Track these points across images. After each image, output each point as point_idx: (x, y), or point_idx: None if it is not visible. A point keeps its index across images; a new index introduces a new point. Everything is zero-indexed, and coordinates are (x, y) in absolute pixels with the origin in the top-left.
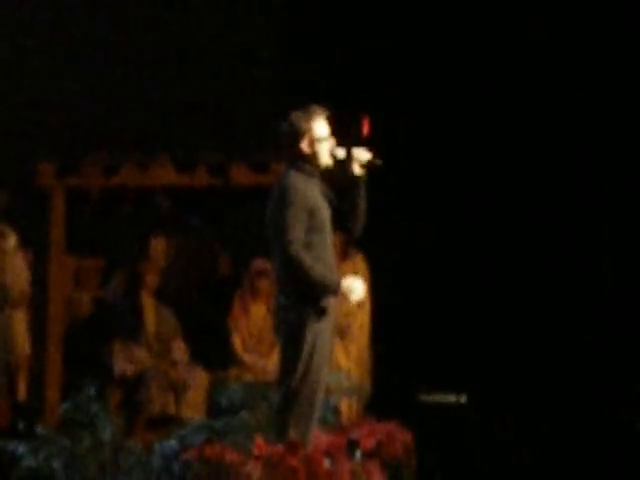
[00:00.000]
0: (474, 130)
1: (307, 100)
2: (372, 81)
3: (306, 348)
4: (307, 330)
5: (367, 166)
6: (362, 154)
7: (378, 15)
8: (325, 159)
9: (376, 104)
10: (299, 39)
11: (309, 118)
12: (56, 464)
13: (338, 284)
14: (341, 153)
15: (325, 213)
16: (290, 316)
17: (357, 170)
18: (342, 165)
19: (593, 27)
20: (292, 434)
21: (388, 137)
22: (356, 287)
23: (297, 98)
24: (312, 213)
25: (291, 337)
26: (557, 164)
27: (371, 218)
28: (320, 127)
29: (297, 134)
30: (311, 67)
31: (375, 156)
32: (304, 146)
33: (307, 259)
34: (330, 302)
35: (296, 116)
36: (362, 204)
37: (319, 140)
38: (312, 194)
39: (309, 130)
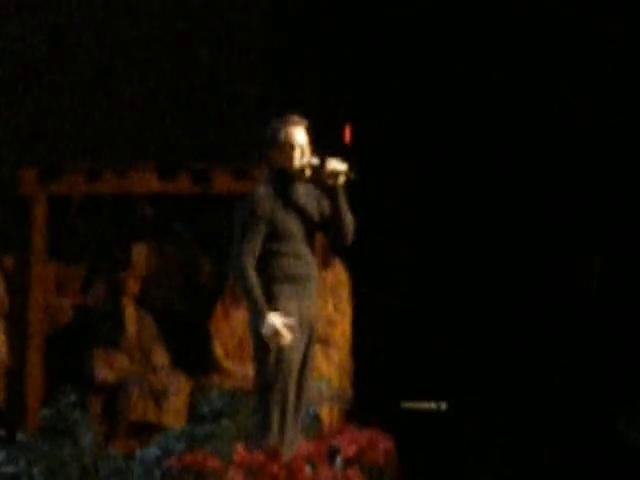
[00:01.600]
0: (457, 136)
1: (290, 108)
2: (355, 89)
3: (270, 358)
4: (268, 343)
5: (342, 177)
6: (337, 165)
7: (361, 23)
8: (299, 167)
9: (359, 113)
10: (282, 48)
11: (284, 126)
12: (36, 471)
13: (263, 317)
14: (317, 162)
15: (296, 221)
16: (253, 325)
17: (331, 180)
18: (318, 175)
19: (581, 29)
20: (268, 442)
21: (369, 143)
22: (274, 331)
23: (280, 107)
24: (274, 223)
25: (256, 348)
26: (546, 165)
27: (353, 225)
28: (295, 135)
29: (271, 142)
30: (294, 76)
31: (351, 168)
32: (277, 154)
33: (249, 280)
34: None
35: (272, 124)
36: (341, 214)
37: (293, 148)
38: (275, 204)
39: (283, 138)
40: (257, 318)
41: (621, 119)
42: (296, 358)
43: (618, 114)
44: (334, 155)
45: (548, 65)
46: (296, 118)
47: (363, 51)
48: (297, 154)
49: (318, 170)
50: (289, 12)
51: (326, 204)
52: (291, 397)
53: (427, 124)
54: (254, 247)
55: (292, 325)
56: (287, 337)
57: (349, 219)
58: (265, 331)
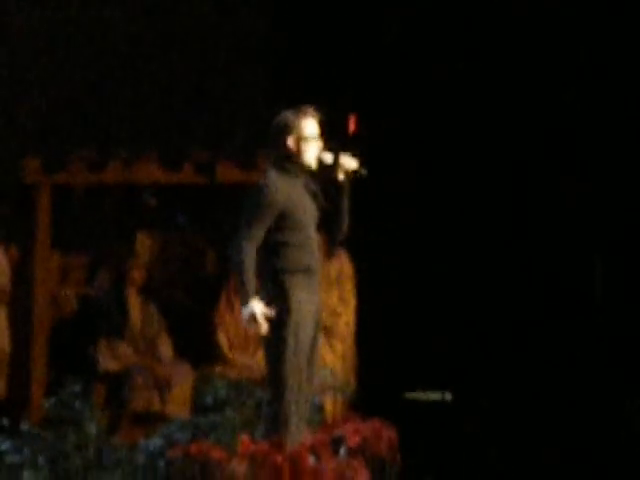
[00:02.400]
0: (460, 131)
1: (294, 99)
2: (360, 81)
3: (285, 346)
4: (286, 330)
5: (352, 174)
6: (349, 162)
7: (365, 15)
8: (309, 159)
9: (364, 103)
10: (288, 39)
11: (299, 116)
12: (40, 460)
13: (248, 301)
14: (329, 158)
15: (306, 212)
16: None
17: (342, 177)
18: (328, 169)
19: (581, 29)
20: (278, 432)
21: (375, 136)
22: (252, 317)
23: (285, 97)
24: (287, 213)
25: (269, 337)
26: (548, 165)
27: (357, 217)
28: (309, 127)
29: (284, 131)
30: (299, 66)
31: (361, 165)
32: (290, 143)
33: (242, 259)
34: (303, 301)
35: (286, 114)
36: (345, 209)
37: (306, 139)
38: (289, 194)
39: (297, 128)
40: (287, 311)
41: (625, 120)
42: (307, 348)
43: (622, 115)
44: (342, 149)
45: (549, 65)
46: (311, 110)
47: (366, 44)
48: (311, 146)
49: (329, 165)
50: (293, 7)
51: (322, 198)
52: (302, 387)
53: (430, 121)
54: (258, 234)
55: (270, 316)
56: (263, 327)
57: (346, 216)
58: (244, 315)
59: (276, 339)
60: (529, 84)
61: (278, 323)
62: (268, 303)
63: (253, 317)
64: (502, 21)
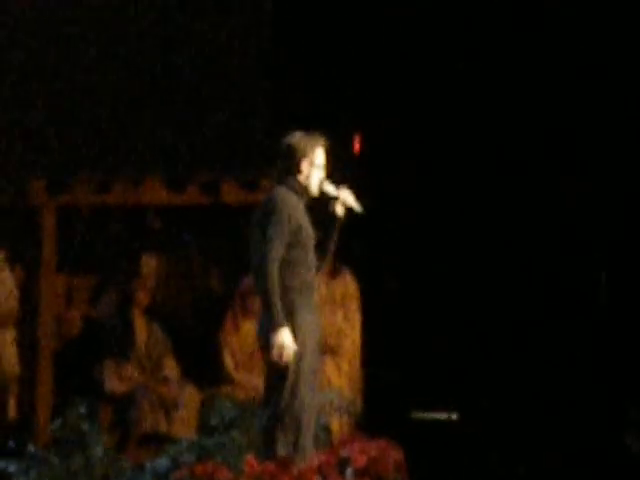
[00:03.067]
0: (460, 147)
1: (296, 120)
2: (360, 101)
3: (293, 368)
4: (296, 353)
5: (349, 209)
6: (348, 197)
7: (365, 34)
8: (314, 187)
9: (364, 123)
10: (289, 61)
11: (314, 143)
12: None
13: (280, 327)
14: (332, 190)
15: (308, 232)
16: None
17: (339, 210)
18: (327, 200)
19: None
20: (280, 452)
21: (377, 154)
22: (283, 343)
23: (286, 118)
24: (297, 230)
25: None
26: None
27: (362, 237)
28: (320, 154)
29: (300, 153)
30: (301, 87)
31: (358, 202)
32: (304, 167)
33: (273, 283)
34: (307, 321)
35: (301, 137)
36: (334, 240)
37: (316, 167)
38: (299, 212)
39: (311, 153)
40: (296, 332)
41: (625, 120)
42: (313, 371)
43: (622, 115)
44: (344, 183)
45: (549, 65)
46: (322, 138)
47: (366, 60)
48: (317, 174)
49: (330, 197)
50: (296, 23)
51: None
52: (309, 411)
53: (432, 131)
54: (280, 252)
55: (294, 348)
56: (290, 357)
57: (333, 247)
58: (275, 342)
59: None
60: (529, 84)
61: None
62: (270, 321)
63: (284, 346)
64: (502, 21)
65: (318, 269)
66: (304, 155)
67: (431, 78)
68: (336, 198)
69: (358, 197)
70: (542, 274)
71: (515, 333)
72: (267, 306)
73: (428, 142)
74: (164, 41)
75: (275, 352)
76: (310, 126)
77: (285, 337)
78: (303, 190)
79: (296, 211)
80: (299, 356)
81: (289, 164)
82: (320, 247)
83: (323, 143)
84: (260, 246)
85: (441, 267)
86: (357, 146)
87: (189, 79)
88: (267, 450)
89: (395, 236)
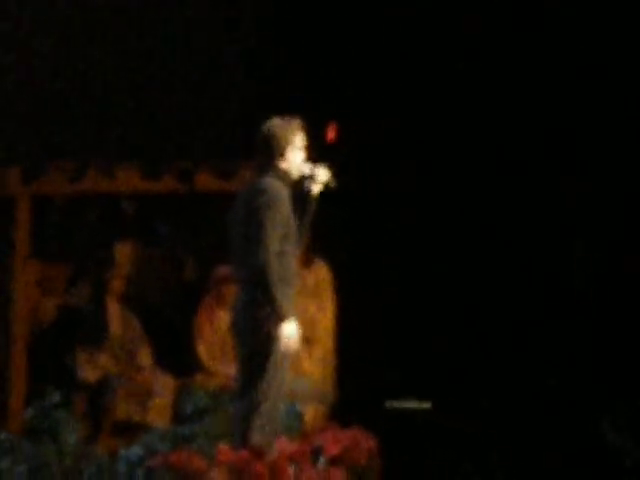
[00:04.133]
0: (460, 147)
1: (273, 107)
2: (336, 88)
3: (275, 358)
4: (275, 341)
5: (324, 185)
6: (323, 173)
7: (344, 21)
8: (297, 171)
9: (341, 111)
10: (265, 47)
11: (294, 127)
12: (20, 470)
13: (284, 317)
14: (306, 169)
15: (294, 220)
16: (257, 326)
17: (316, 188)
18: (303, 180)
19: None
20: (255, 440)
21: (351, 144)
22: (292, 335)
23: (263, 105)
24: (287, 222)
25: (258, 347)
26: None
27: (334, 225)
28: (299, 138)
29: (284, 142)
30: (277, 74)
31: (333, 177)
32: (286, 156)
33: (275, 276)
34: (291, 312)
35: (278, 125)
36: (310, 219)
37: (297, 152)
38: (288, 202)
39: (294, 138)
40: (275, 319)
41: (625, 120)
42: (290, 360)
43: (622, 115)
44: (318, 160)
45: (549, 68)
46: (298, 120)
47: (346, 50)
48: (299, 157)
49: (305, 176)
50: (274, 12)
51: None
52: (282, 399)
53: (411, 122)
54: (275, 243)
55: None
56: (296, 348)
57: (309, 228)
58: (287, 333)
59: (266, 349)
60: (529, 84)
61: (270, 333)
62: (254, 311)
63: (293, 336)
64: (501, 21)
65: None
66: (288, 142)
67: (431, 78)
68: (311, 177)
69: (335, 176)
70: (539, 274)
71: (492, 323)
72: (267, 298)
73: (427, 142)
74: (144, 33)
75: (284, 345)
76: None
77: (292, 329)
78: (286, 175)
79: (285, 202)
80: (282, 346)
81: (273, 152)
82: (297, 227)
83: (300, 124)
84: (249, 237)
85: (413, 251)
86: (331, 135)
87: (166, 65)
88: (242, 438)
89: (371, 218)
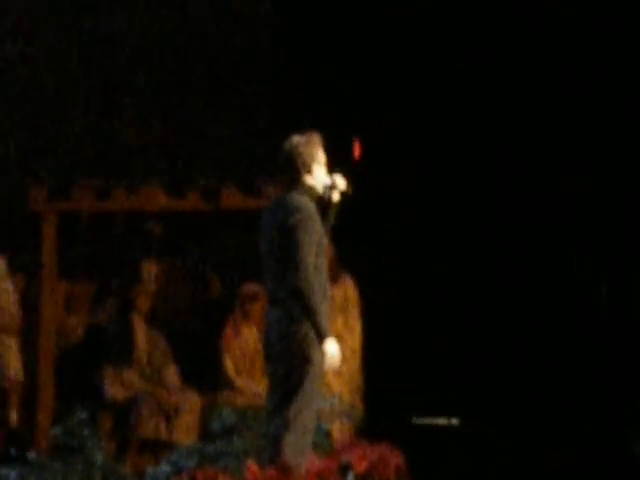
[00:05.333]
0: (460, 147)
1: (296, 125)
2: (358, 105)
3: (312, 376)
4: (314, 359)
5: (342, 193)
6: (340, 182)
7: (366, 35)
8: (321, 185)
9: (363, 128)
10: (288, 65)
11: (314, 144)
12: None
13: (326, 335)
14: (327, 180)
15: (325, 238)
16: (295, 345)
17: (336, 197)
18: (325, 191)
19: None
20: (288, 458)
21: (379, 161)
22: (335, 352)
23: (287, 123)
24: (320, 237)
25: (295, 366)
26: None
27: (363, 243)
28: (321, 153)
29: (306, 161)
30: (299, 92)
31: (349, 184)
32: (313, 172)
33: (317, 296)
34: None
35: (302, 142)
36: (329, 227)
37: (320, 166)
38: (319, 218)
39: (317, 154)
40: (311, 339)
41: (626, 120)
42: (323, 379)
43: (622, 116)
44: (336, 170)
45: (549, 68)
46: (318, 135)
47: (365, 68)
48: (322, 172)
49: (326, 186)
50: (292, 28)
51: None
52: (316, 415)
53: (432, 132)
54: (312, 259)
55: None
56: (337, 365)
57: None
58: (330, 352)
59: (302, 368)
60: (529, 85)
61: (308, 352)
62: (290, 330)
63: (335, 354)
64: (501, 21)
65: None
66: (313, 158)
67: (431, 78)
68: (331, 186)
69: (351, 186)
70: (542, 275)
71: (516, 337)
72: (308, 317)
73: (428, 143)
74: (164, 45)
75: (327, 362)
76: (310, 128)
77: (334, 347)
78: (312, 191)
79: (317, 218)
80: (317, 364)
81: (299, 169)
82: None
83: (320, 139)
84: (286, 256)
85: (440, 270)
86: (357, 151)
87: (190, 83)
88: (274, 457)
89: (394, 238)
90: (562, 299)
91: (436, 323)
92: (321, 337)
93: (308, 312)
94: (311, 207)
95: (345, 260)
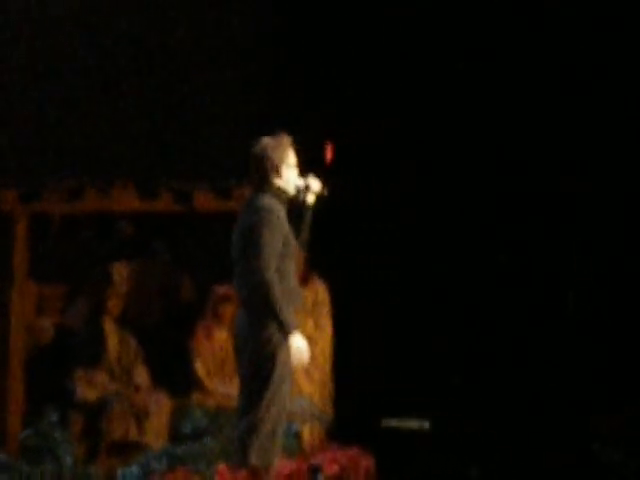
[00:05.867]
0: (460, 148)
1: (268, 127)
2: (330, 109)
3: (276, 378)
4: (278, 361)
5: (317, 195)
6: (315, 184)
7: (362, 40)
8: (292, 187)
9: (335, 132)
10: (261, 69)
11: (283, 147)
12: None
13: (292, 329)
14: (300, 183)
15: (292, 239)
16: (260, 346)
17: (311, 199)
18: (298, 193)
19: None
20: (254, 461)
21: (349, 164)
22: (301, 346)
23: (259, 125)
24: (286, 240)
25: (260, 367)
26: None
27: (333, 245)
28: (291, 155)
29: (275, 163)
30: (272, 94)
31: (323, 186)
32: (282, 174)
33: (277, 292)
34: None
35: (270, 144)
36: (308, 230)
37: (290, 169)
38: (285, 220)
39: (286, 156)
40: (278, 339)
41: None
42: (291, 380)
43: (623, 116)
44: (317, 172)
45: (548, 68)
46: (288, 137)
47: (338, 74)
48: (293, 173)
49: (300, 189)
50: (273, 33)
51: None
52: (284, 420)
53: (407, 144)
54: (274, 260)
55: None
56: (307, 360)
57: (308, 237)
58: (295, 346)
59: (268, 369)
60: (528, 84)
61: (275, 353)
62: (256, 331)
63: (302, 349)
64: (501, 21)
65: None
66: (281, 160)
67: (431, 79)
68: (305, 189)
69: (326, 186)
70: (539, 274)
71: (484, 342)
72: (270, 315)
73: (428, 143)
74: (136, 48)
75: (295, 357)
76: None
77: (300, 341)
78: (282, 193)
79: (283, 220)
80: (282, 367)
81: (268, 171)
82: (297, 238)
83: (289, 141)
84: (247, 256)
85: (411, 271)
86: (329, 155)
87: (163, 86)
88: (240, 458)
89: (366, 240)
90: (562, 299)
91: (407, 325)
92: (285, 332)
93: (270, 308)
94: (276, 208)
95: (317, 262)
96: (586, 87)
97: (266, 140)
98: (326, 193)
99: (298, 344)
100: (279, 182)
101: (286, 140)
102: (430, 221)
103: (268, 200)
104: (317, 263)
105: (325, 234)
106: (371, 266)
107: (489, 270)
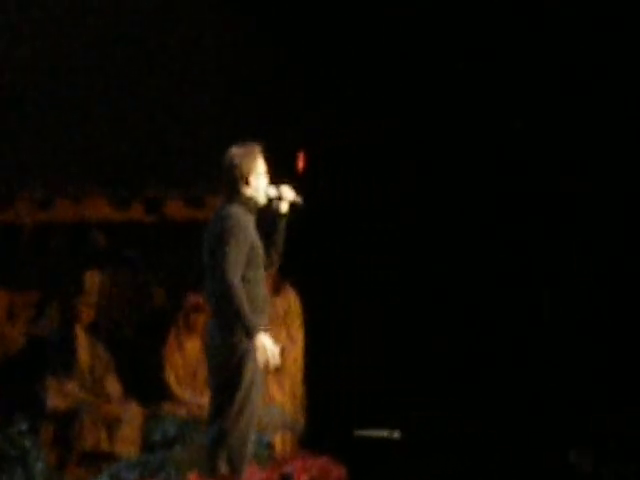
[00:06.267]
0: (460, 148)
1: (242, 136)
2: (330, 109)
3: (244, 386)
4: (246, 369)
5: (291, 204)
6: (289, 193)
7: (362, 40)
8: (262, 196)
9: (307, 139)
10: (236, 77)
11: (253, 156)
12: None
13: (255, 330)
14: (272, 192)
15: (260, 248)
16: (229, 354)
17: (284, 208)
18: (271, 202)
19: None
20: (223, 470)
21: (320, 171)
22: (269, 346)
23: (232, 134)
24: (252, 249)
25: (229, 375)
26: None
27: (304, 253)
28: (261, 164)
29: (243, 172)
30: (246, 103)
31: (297, 195)
32: (250, 183)
33: (240, 296)
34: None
35: (239, 153)
36: (282, 238)
37: (260, 177)
38: (252, 230)
39: (255, 165)
40: (245, 337)
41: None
42: (262, 389)
43: (622, 116)
44: (288, 181)
45: (548, 68)
46: (258, 146)
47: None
48: (263, 182)
49: (273, 198)
50: (247, 40)
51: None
52: (254, 429)
53: (378, 149)
54: (240, 267)
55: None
56: (277, 358)
57: (283, 246)
58: (260, 350)
59: (237, 377)
60: (528, 85)
61: (242, 361)
62: (225, 338)
63: (268, 350)
64: (501, 21)
65: (267, 269)
66: (250, 169)
67: (431, 79)
68: (279, 198)
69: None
70: (539, 274)
71: (457, 351)
72: (236, 320)
73: (428, 143)
74: (109, 54)
75: (260, 357)
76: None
77: (266, 340)
78: (252, 202)
79: (250, 230)
80: (252, 375)
81: (237, 180)
82: (269, 248)
83: (260, 150)
84: (214, 264)
85: (383, 281)
86: (301, 164)
87: (136, 95)
88: (210, 467)
89: (341, 247)
90: (561, 299)
91: (379, 335)
92: (250, 335)
93: (234, 312)
94: (243, 217)
95: (289, 270)
96: (586, 87)
97: (235, 149)
98: (301, 202)
99: (262, 343)
100: (248, 191)
101: (256, 149)
102: (430, 221)
103: (236, 209)
104: (289, 268)
105: (294, 238)
106: (345, 274)
107: (489, 270)
